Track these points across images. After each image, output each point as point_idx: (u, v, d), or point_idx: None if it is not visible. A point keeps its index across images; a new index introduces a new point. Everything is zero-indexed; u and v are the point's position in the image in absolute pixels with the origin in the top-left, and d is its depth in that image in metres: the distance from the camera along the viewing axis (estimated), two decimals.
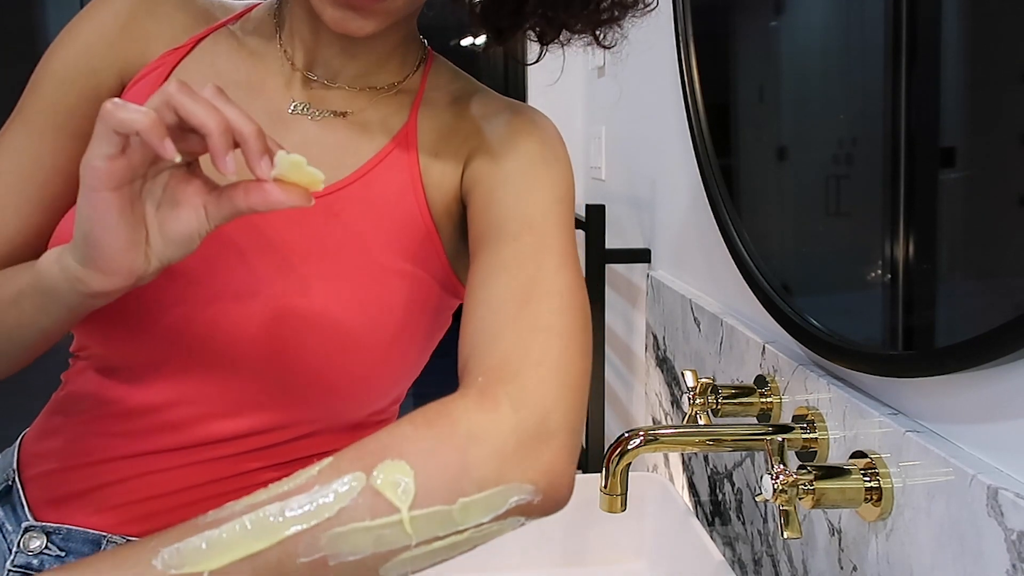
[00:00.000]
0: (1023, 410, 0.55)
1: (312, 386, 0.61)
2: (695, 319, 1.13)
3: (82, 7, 0.69)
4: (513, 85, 2.18)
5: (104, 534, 0.63)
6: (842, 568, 0.74)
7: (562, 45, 0.69)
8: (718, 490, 1.05)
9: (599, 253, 1.46)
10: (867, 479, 0.67)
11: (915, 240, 0.66)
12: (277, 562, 0.42)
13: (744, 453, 0.95)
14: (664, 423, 1.29)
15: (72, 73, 0.66)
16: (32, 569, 0.63)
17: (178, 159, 0.48)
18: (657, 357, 1.33)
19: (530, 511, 0.47)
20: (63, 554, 0.63)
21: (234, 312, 0.60)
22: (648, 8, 0.68)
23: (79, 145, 0.66)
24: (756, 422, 0.88)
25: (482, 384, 0.50)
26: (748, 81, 1.00)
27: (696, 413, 0.88)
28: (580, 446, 0.52)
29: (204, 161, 0.52)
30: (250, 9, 0.72)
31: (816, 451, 0.77)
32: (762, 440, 0.77)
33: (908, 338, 0.68)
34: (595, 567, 1.03)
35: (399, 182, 0.65)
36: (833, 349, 0.74)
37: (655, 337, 1.34)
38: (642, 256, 1.46)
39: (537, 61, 0.71)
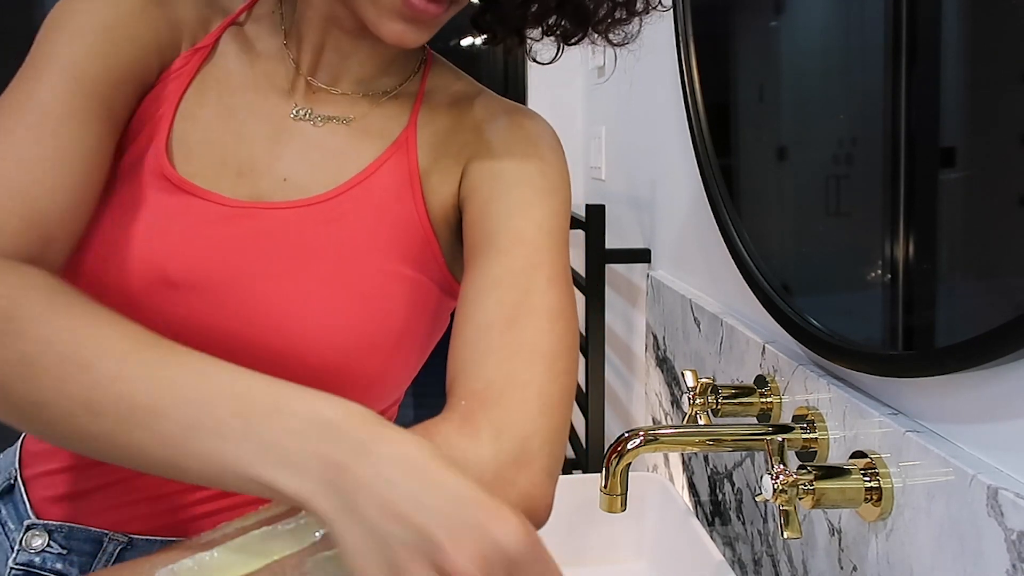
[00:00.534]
0: (1023, 410, 0.55)
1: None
2: (695, 319, 1.13)
3: None
4: (513, 85, 2.18)
5: (106, 532, 0.63)
6: (842, 568, 0.74)
7: (592, 44, 0.70)
8: (718, 490, 1.05)
9: (599, 253, 1.46)
10: (867, 479, 0.67)
11: (915, 240, 0.66)
12: None
13: (744, 453, 0.95)
14: (664, 423, 1.29)
15: (120, 34, 0.60)
16: (34, 567, 0.63)
17: None
18: (657, 357, 1.33)
19: None
20: (65, 552, 0.63)
21: (234, 321, 0.60)
22: (663, 9, 0.68)
23: (124, 109, 0.62)
24: (756, 422, 0.88)
25: (465, 409, 0.51)
26: (748, 81, 1.00)
27: (696, 413, 0.88)
28: (560, 464, 0.53)
29: None
30: (255, 1, 0.72)
31: (816, 451, 0.77)
32: (762, 440, 0.77)
33: (908, 338, 0.68)
34: (595, 567, 1.03)
35: (398, 187, 0.65)
36: (833, 349, 0.74)
37: (655, 337, 1.34)
38: (642, 256, 1.46)
39: (554, 60, 0.71)
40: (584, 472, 1.53)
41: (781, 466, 0.68)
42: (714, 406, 0.88)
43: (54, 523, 0.64)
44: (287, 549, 0.44)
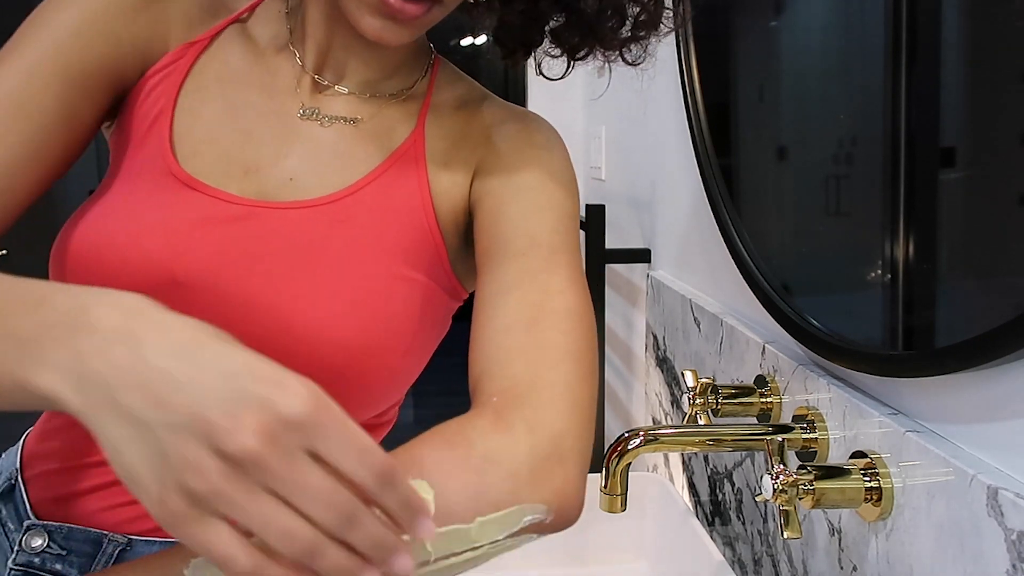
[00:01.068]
0: (1023, 410, 0.55)
1: None
2: (695, 319, 1.13)
3: None
4: (513, 86, 2.18)
5: (105, 533, 0.63)
6: (842, 568, 0.74)
7: (604, 60, 0.70)
8: (718, 490, 1.05)
9: (599, 253, 1.46)
10: (867, 479, 0.67)
11: (915, 240, 0.66)
12: None
13: (744, 453, 0.95)
14: (664, 423, 1.29)
15: (90, 31, 0.62)
16: (34, 567, 0.63)
17: None
18: (657, 357, 1.33)
19: (542, 529, 0.49)
20: (64, 552, 0.63)
21: (238, 322, 0.59)
22: (675, 28, 0.68)
23: (85, 103, 0.63)
24: (756, 422, 0.88)
25: (497, 405, 0.51)
26: (748, 81, 1.00)
27: (696, 413, 0.88)
28: (589, 464, 0.53)
29: None
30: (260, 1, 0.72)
31: (816, 451, 0.77)
32: (762, 440, 0.77)
33: (908, 338, 0.68)
34: (595, 567, 1.03)
35: (407, 190, 0.66)
36: (833, 349, 0.74)
37: (655, 337, 1.34)
38: (642, 256, 1.46)
39: (564, 76, 0.72)
40: None
41: (781, 466, 0.68)
42: (714, 406, 0.88)
43: (54, 524, 0.64)
44: None
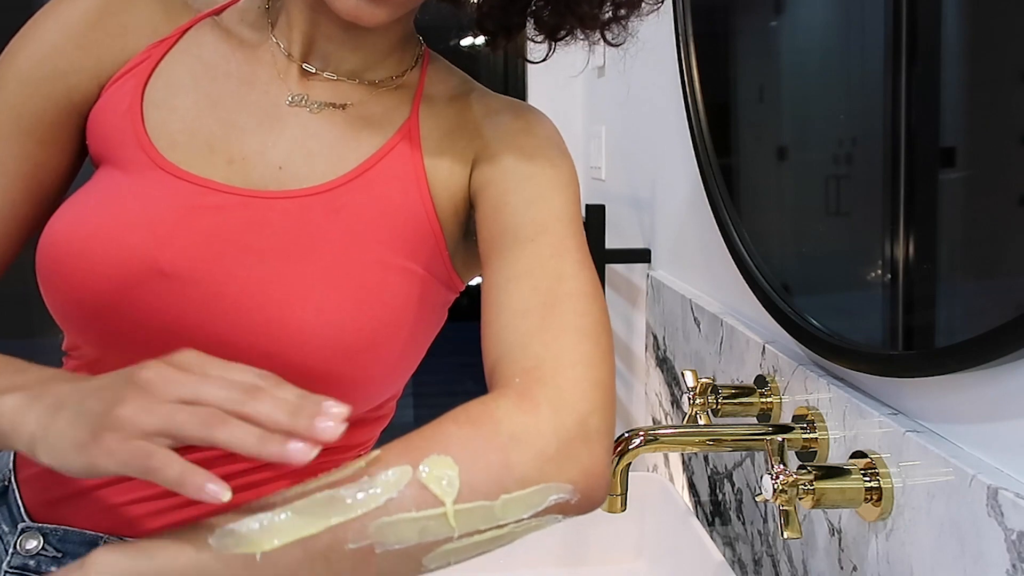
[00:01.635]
0: (1023, 410, 0.55)
1: (312, 389, 0.61)
2: (695, 319, 1.13)
3: None
4: (513, 85, 2.18)
5: (101, 535, 0.63)
6: (842, 568, 0.74)
7: (585, 39, 0.69)
8: (718, 490, 1.05)
9: (599, 253, 1.46)
10: (867, 479, 0.67)
11: (915, 240, 0.66)
12: (327, 547, 0.44)
13: (744, 453, 0.95)
14: (664, 423, 1.29)
15: (37, 75, 0.64)
16: (29, 570, 0.63)
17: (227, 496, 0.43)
18: (657, 357, 1.33)
19: (567, 509, 0.49)
20: (60, 555, 0.63)
21: (231, 315, 0.59)
22: (656, 6, 0.68)
23: (46, 151, 0.64)
24: (756, 422, 0.88)
25: (520, 386, 0.51)
26: (748, 81, 1.00)
27: (696, 413, 0.88)
28: (613, 445, 0.54)
29: None
30: (234, 0, 0.72)
31: (816, 451, 0.77)
32: (762, 440, 0.77)
33: (908, 338, 0.68)
34: (595, 567, 1.03)
35: (403, 179, 0.65)
36: (833, 349, 0.74)
37: (655, 337, 1.34)
38: (642, 256, 1.46)
39: (545, 59, 0.71)
40: None
41: (781, 466, 0.68)
42: (714, 406, 0.88)
43: (49, 526, 0.64)
44: (350, 513, 0.44)
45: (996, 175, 0.58)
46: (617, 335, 1.66)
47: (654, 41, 1.32)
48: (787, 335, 0.83)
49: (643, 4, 0.67)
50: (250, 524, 0.44)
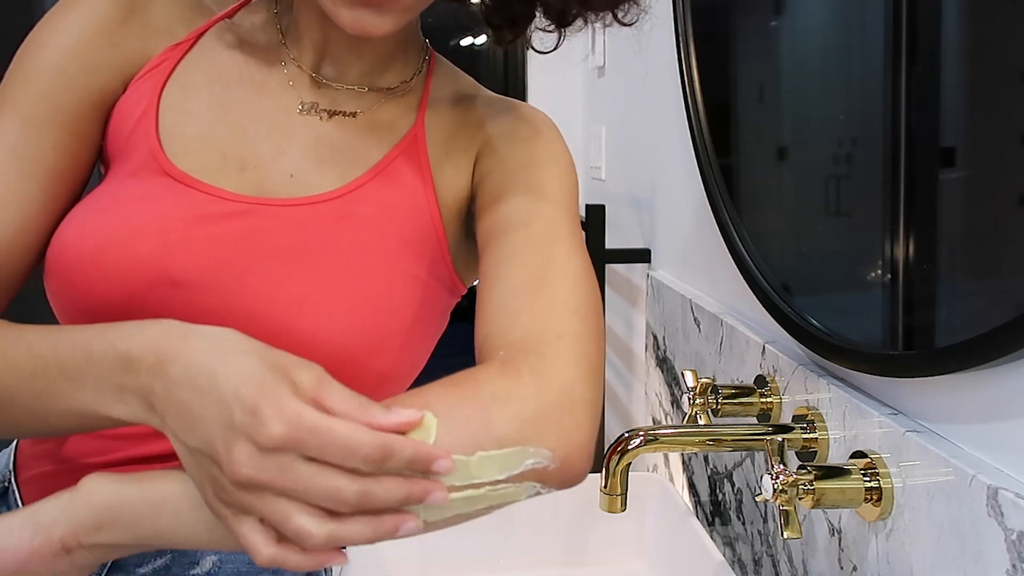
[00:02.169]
0: (1023, 410, 0.55)
1: None
2: (695, 319, 1.13)
3: None
4: (513, 85, 2.18)
5: None
6: (842, 568, 0.74)
7: (587, 23, 0.68)
8: (718, 490, 1.05)
9: (599, 253, 1.46)
10: (867, 479, 0.67)
11: (915, 240, 0.66)
12: None
13: (744, 453, 0.95)
14: (664, 423, 1.29)
15: (72, 68, 0.63)
16: None
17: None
18: (657, 357, 1.33)
19: (546, 478, 0.49)
20: None
21: (242, 323, 0.58)
22: None
23: (79, 143, 0.64)
24: (756, 422, 0.88)
25: (504, 356, 0.52)
26: (748, 81, 1.00)
27: (696, 413, 0.88)
28: (599, 416, 0.53)
29: None
30: (247, 1, 0.72)
31: (816, 451, 0.77)
32: (762, 440, 0.77)
33: (908, 338, 0.68)
34: (595, 567, 1.03)
35: (410, 184, 0.65)
36: (833, 349, 0.74)
37: (655, 337, 1.34)
38: (642, 256, 1.46)
39: (555, 48, 0.71)
40: None
41: (781, 466, 0.68)
42: (714, 406, 0.88)
43: None
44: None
45: (996, 175, 0.58)
46: (617, 335, 1.66)
47: (654, 41, 1.32)
48: (787, 335, 0.83)
49: None
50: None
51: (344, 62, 0.67)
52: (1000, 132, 0.57)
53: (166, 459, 0.62)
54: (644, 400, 1.43)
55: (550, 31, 0.69)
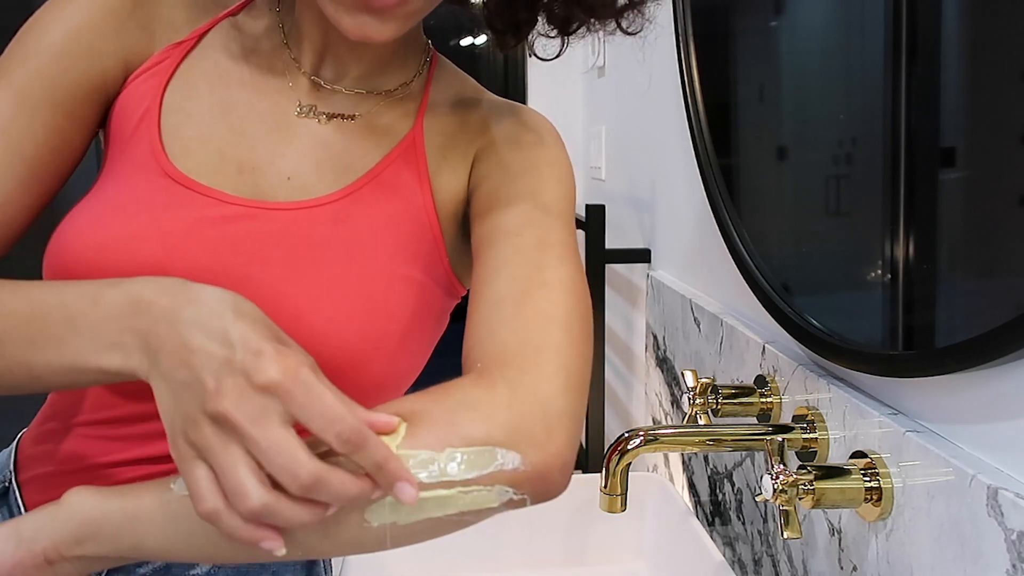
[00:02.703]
0: (1023, 410, 0.55)
1: None
2: (695, 319, 1.13)
3: None
4: (513, 85, 2.18)
5: None
6: (842, 568, 0.74)
7: (589, 30, 0.68)
8: (718, 490, 1.05)
9: (599, 253, 1.46)
10: (867, 479, 0.67)
11: (915, 240, 0.66)
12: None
13: (744, 453, 0.95)
14: (664, 423, 1.29)
15: (74, 49, 0.63)
16: None
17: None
18: (657, 357, 1.33)
19: (518, 483, 0.48)
20: None
21: None
22: None
23: (73, 125, 0.64)
24: (756, 422, 0.88)
25: (481, 368, 0.52)
26: (748, 81, 1.00)
27: (696, 413, 0.88)
28: (581, 428, 0.52)
29: None
30: (249, 0, 0.72)
31: (816, 451, 0.77)
32: (762, 440, 0.77)
33: (908, 338, 0.68)
34: (595, 567, 1.03)
35: (408, 188, 0.65)
36: (833, 349, 0.74)
37: (655, 337, 1.34)
38: (642, 256, 1.46)
39: (558, 55, 0.70)
40: (584, 472, 1.53)
41: (781, 466, 0.68)
42: (714, 406, 0.88)
43: None
44: None
45: (996, 175, 0.58)
46: (617, 335, 1.66)
47: (654, 41, 1.31)
48: (787, 335, 0.83)
49: None
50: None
51: (343, 65, 0.67)
52: (1000, 132, 0.57)
53: (165, 461, 0.62)
54: (644, 400, 1.43)
55: (552, 37, 0.69)
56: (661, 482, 1.05)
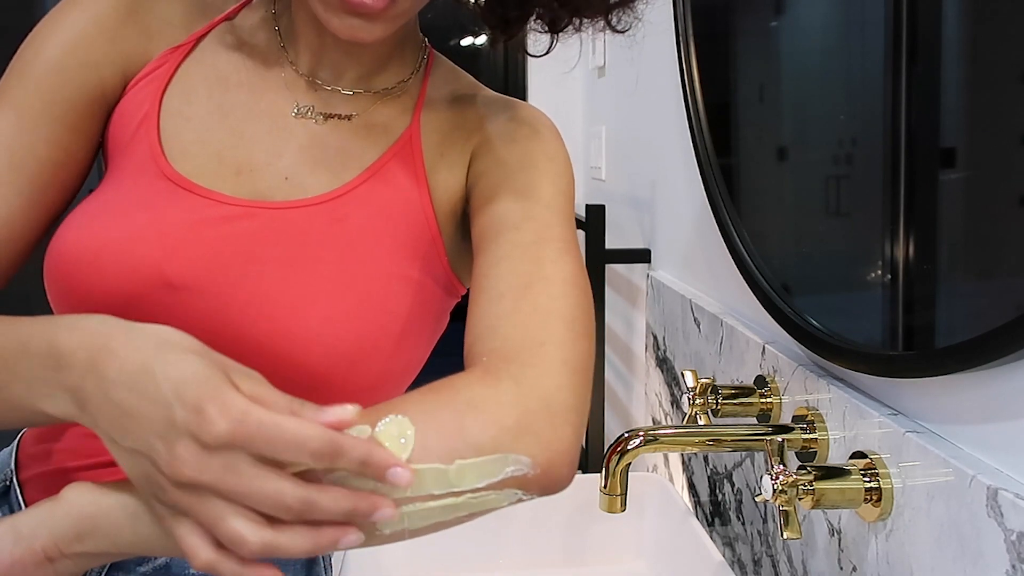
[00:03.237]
0: (1023, 410, 0.55)
1: (316, 397, 0.61)
2: (695, 319, 1.13)
3: None
4: (513, 85, 2.18)
5: None
6: (842, 568, 0.74)
7: (577, 30, 0.68)
8: (718, 490, 1.05)
9: (599, 253, 1.46)
10: (867, 479, 0.67)
11: (915, 240, 0.66)
12: None
13: (744, 453, 0.95)
14: (664, 423, 1.29)
15: (70, 63, 0.64)
16: None
17: None
18: (657, 357, 1.33)
19: (527, 485, 0.48)
20: None
21: (239, 325, 0.59)
22: None
23: (75, 138, 0.65)
24: (756, 422, 0.88)
25: (486, 363, 0.52)
26: (748, 81, 1.00)
27: (696, 413, 0.88)
28: (584, 423, 0.53)
29: None
30: (247, 2, 0.72)
31: (816, 451, 0.77)
32: (762, 440, 0.77)
33: (908, 338, 0.68)
34: (595, 567, 1.03)
35: (405, 185, 0.65)
36: (833, 349, 0.74)
37: (655, 337, 1.34)
38: (642, 256, 1.45)
39: (548, 52, 0.71)
40: (584, 472, 1.53)
41: (781, 466, 0.68)
42: (714, 406, 0.87)
43: None
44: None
45: (996, 175, 0.58)
46: (617, 335, 1.66)
47: (654, 41, 1.32)
48: (787, 335, 0.83)
49: None
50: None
51: (340, 65, 0.67)
52: (1000, 132, 0.57)
53: None
54: (644, 400, 1.43)
55: (545, 33, 0.69)
56: (661, 482, 1.05)
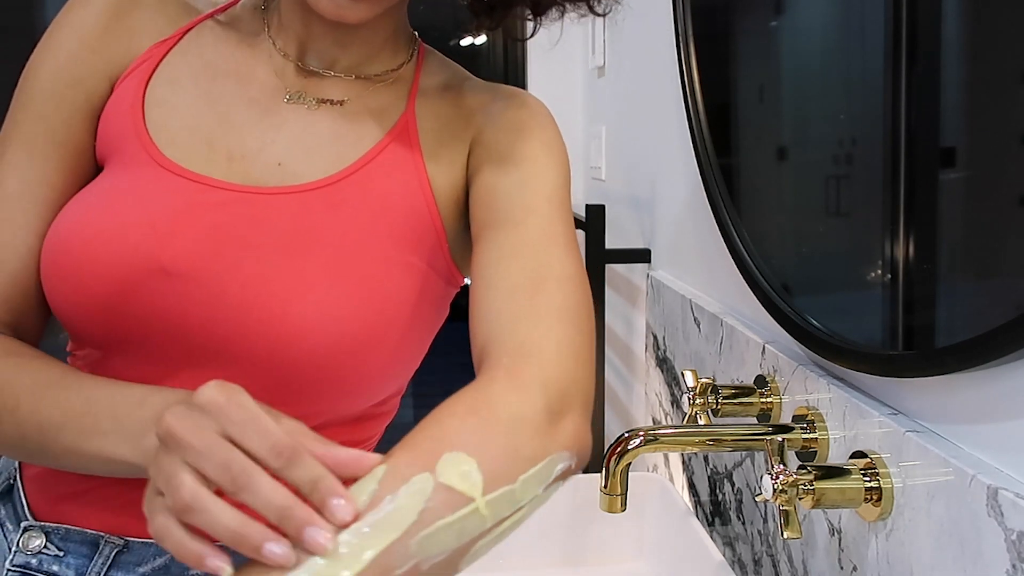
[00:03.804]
0: (1023, 410, 0.55)
1: (315, 385, 0.61)
2: (695, 319, 1.13)
3: None
4: (513, 84, 2.18)
5: (102, 534, 0.63)
6: (842, 568, 0.74)
7: (561, 14, 0.68)
8: (718, 490, 1.05)
9: (599, 253, 1.46)
10: (867, 479, 0.67)
11: (915, 240, 0.66)
12: None
13: (744, 453, 0.95)
14: (664, 423, 1.29)
15: (60, 86, 0.65)
16: (31, 568, 0.63)
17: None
18: (657, 357, 1.33)
19: (567, 475, 0.52)
20: (62, 553, 0.63)
21: (234, 311, 0.59)
22: None
23: (81, 160, 0.66)
24: (756, 422, 0.88)
25: (508, 366, 0.53)
26: (748, 81, 1.00)
27: (696, 413, 0.88)
28: (591, 409, 0.57)
29: None
30: (235, 2, 0.72)
31: (816, 451, 0.77)
32: (762, 440, 0.77)
33: (908, 338, 0.68)
34: (595, 567, 1.03)
35: (402, 173, 0.65)
36: (833, 349, 0.74)
37: (655, 337, 1.34)
38: (642, 256, 1.45)
39: (532, 36, 0.71)
40: (584, 472, 1.53)
41: (781, 466, 0.68)
42: (714, 406, 0.87)
43: (51, 525, 0.64)
44: (386, 540, 0.42)
45: (996, 175, 0.58)
46: (617, 335, 1.66)
47: (654, 41, 1.32)
48: (787, 335, 0.83)
49: None
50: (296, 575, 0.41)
51: (328, 52, 0.68)
52: (1000, 132, 0.57)
53: None
54: (644, 400, 1.43)
55: (528, 19, 0.69)
56: (661, 482, 1.05)
